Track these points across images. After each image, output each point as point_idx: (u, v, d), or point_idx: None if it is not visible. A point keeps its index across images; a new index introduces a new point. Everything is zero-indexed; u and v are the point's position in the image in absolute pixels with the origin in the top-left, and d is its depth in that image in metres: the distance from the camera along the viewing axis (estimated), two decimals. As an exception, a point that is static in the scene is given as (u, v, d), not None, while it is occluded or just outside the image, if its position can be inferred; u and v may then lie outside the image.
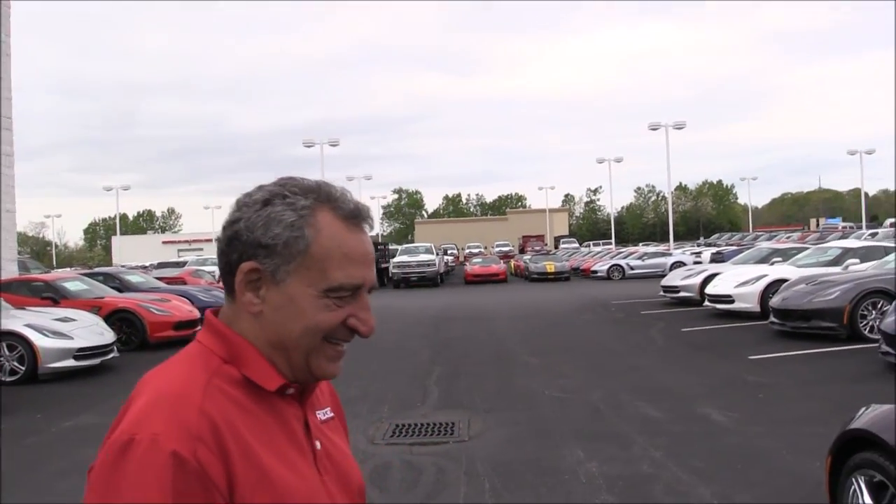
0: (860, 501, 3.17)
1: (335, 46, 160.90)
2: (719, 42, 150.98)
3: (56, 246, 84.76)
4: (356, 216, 1.07)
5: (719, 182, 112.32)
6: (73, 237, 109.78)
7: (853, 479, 3.22)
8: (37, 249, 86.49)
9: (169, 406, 0.96)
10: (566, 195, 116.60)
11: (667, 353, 10.46)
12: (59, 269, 35.08)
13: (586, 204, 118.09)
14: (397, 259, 30.60)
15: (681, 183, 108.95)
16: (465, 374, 9.37)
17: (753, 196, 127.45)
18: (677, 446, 5.72)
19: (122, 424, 0.96)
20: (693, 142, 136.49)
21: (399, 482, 5.17)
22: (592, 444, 5.85)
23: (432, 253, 31.18)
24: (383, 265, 31.99)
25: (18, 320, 9.88)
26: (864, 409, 3.41)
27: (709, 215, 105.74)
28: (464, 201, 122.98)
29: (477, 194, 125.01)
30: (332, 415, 1.22)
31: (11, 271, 16.89)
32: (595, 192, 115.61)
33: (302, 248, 1.02)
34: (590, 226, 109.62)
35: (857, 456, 3.23)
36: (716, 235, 62.94)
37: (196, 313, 13.46)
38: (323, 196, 1.05)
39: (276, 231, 1.01)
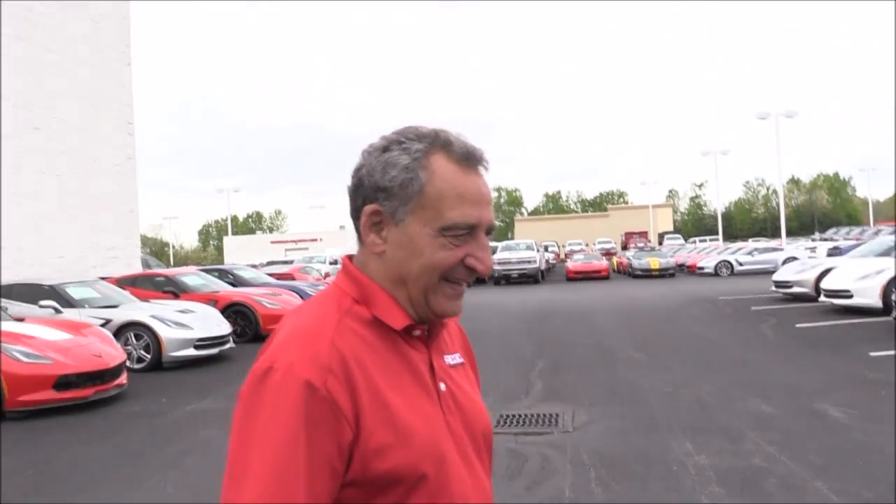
0: None
1: (431, 47, 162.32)
2: (831, 22, 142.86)
3: (172, 247, 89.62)
4: (468, 158, 1.12)
5: (835, 174, 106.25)
6: (189, 238, 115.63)
7: None
8: (155, 250, 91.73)
9: (304, 339, 1.05)
10: (670, 190, 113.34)
11: (779, 349, 10.05)
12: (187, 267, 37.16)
13: (691, 199, 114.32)
14: (498, 256, 30.57)
15: (793, 176, 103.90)
16: (568, 367, 9.33)
17: (873, 188, 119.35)
18: (792, 441, 5.52)
19: (264, 354, 1.07)
20: (805, 132, 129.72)
21: (505, 469, 5.23)
22: (701, 438, 5.72)
23: (533, 249, 31.02)
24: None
25: (144, 311, 10.56)
26: None
27: (824, 209, 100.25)
28: (563, 198, 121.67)
29: (577, 191, 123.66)
30: (461, 360, 1.25)
31: (136, 267, 18.07)
32: (700, 186, 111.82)
33: (416, 188, 1.08)
34: (695, 222, 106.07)
35: None
36: (832, 230, 59.56)
37: (304, 307, 13.98)
38: (437, 141, 1.11)
39: (392, 174, 1.09)
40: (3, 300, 10.12)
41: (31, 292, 10.69)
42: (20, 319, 8.74)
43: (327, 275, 26.80)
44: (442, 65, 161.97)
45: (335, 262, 32.68)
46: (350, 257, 1.20)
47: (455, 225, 1.08)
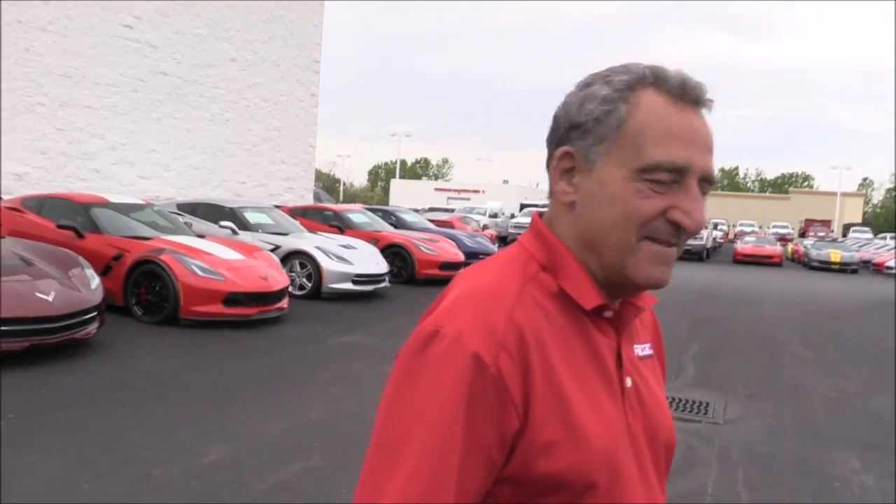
0: None
1: (607, 5, 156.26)
2: None
3: (343, 184, 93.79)
4: (685, 92, 0.90)
5: None
6: (359, 177, 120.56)
7: None
8: (327, 185, 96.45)
9: (479, 305, 0.88)
10: (864, 179, 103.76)
11: (977, 371, 8.92)
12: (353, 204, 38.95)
13: (888, 191, 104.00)
14: (662, 228, 29.46)
15: None
16: (726, 355, 8.79)
17: None
18: (983, 478, 4.86)
19: (431, 315, 0.91)
20: None
21: (644, 451, 5.00)
22: (871, 455, 5.18)
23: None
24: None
25: (310, 242, 11.07)
26: None
27: None
28: (741, 176, 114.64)
29: (756, 169, 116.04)
30: (651, 352, 1.07)
31: (308, 199, 19.01)
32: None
33: (614, 123, 0.90)
34: (889, 215, 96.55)
35: None
36: None
37: (461, 256, 14.14)
38: (648, 75, 0.91)
39: (588, 107, 0.91)
40: (188, 217, 10.96)
41: (213, 212, 11.50)
42: (201, 236, 9.42)
43: (485, 227, 27.01)
44: (617, 19, 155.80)
45: (494, 216, 32.80)
46: (541, 214, 1.01)
47: (657, 165, 0.88)
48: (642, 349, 1.04)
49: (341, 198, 77.06)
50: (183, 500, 3.70)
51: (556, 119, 0.96)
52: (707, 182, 0.92)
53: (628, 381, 0.96)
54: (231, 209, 11.63)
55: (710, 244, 30.81)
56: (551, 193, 0.97)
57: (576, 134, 0.92)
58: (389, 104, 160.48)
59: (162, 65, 15.03)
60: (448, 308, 0.90)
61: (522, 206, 35.26)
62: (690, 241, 27.79)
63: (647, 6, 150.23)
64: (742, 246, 30.58)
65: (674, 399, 6.47)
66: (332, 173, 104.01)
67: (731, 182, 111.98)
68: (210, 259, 8.30)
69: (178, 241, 8.63)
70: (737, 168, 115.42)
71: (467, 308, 0.89)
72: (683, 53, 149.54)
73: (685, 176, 0.89)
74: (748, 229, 48.73)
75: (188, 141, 15.78)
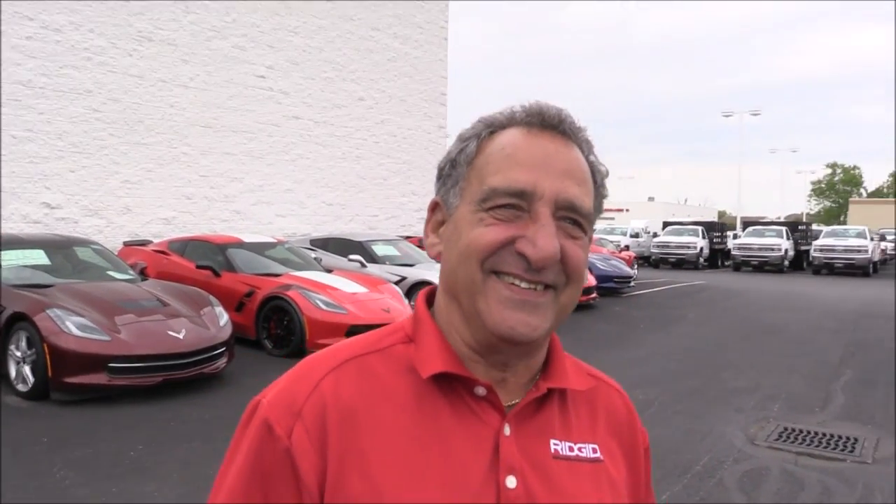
0: None
1: (757, 6, 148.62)
2: None
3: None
4: (542, 120, 0.81)
5: None
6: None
7: None
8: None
9: (295, 374, 0.83)
10: None
11: None
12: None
13: None
14: (820, 241, 27.35)
15: None
16: (884, 383, 7.95)
17: None
18: None
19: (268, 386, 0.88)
20: None
21: (773, 493, 4.58)
22: None
23: (865, 237, 27.17)
24: (803, 247, 29.00)
25: (436, 272, 11.15)
26: None
27: None
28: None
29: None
30: (595, 456, 0.86)
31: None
32: None
33: (464, 160, 0.83)
34: None
35: None
36: None
37: (592, 280, 13.78)
38: (518, 111, 0.82)
39: (448, 151, 0.86)
40: (319, 251, 11.42)
41: (343, 246, 11.94)
42: (329, 271, 9.77)
43: (626, 247, 26.01)
44: (767, 21, 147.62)
45: (636, 235, 31.71)
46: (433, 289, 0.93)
47: (493, 190, 0.78)
48: (573, 448, 0.84)
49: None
50: None
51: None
52: (570, 210, 0.79)
53: (509, 482, 0.78)
54: (360, 242, 12.01)
55: (877, 257, 28.27)
56: (425, 248, 0.90)
57: (439, 183, 0.87)
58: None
59: (294, 109, 15.91)
60: (279, 377, 0.85)
61: (665, 224, 33.84)
62: (854, 256, 25.98)
63: (798, 5, 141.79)
64: (916, 258, 27.83)
65: (816, 434, 5.91)
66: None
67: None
68: (334, 294, 8.57)
69: (306, 276, 8.99)
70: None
71: (286, 378, 0.84)
72: (842, 50, 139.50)
73: (532, 203, 0.78)
74: (925, 239, 44.29)
75: (321, 179, 16.55)
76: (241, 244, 9.77)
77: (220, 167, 14.50)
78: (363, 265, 11.09)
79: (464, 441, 0.79)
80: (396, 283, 10.48)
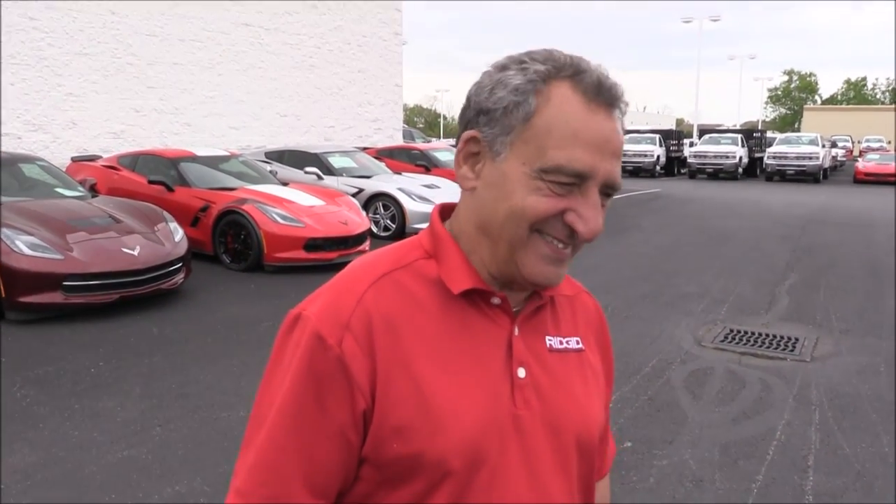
0: None
1: None
2: None
3: (444, 118, 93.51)
4: (600, 92, 0.87)
5: None
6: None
7: None
8: (429, 120, 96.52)
9: (335, 289, 0.92)
10: None
11: None
12: (441, 140, 38.67)
13: None
14: (774, 149, 27.77)
15: None
16: (826, 286, 8.29)
17: None
18: None
19: (304, 299, 0.95)
20: None
21: (716, 392, 4.83)
22: (971, 395, 4.79)
23: (817, 144, 27.64)
24: (757, 154, 29.42)
25: (393, 184, 11.15)
26: None
27: None
28: (869, 87, 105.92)
29: (887, 78, 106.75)
30: (580, 346, 1.02)
31: (397, 139, 19.09)
32: None
33: (522, 116, 0.87)
34: None
35: None
36: None
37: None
38: (566, 67, 0.88)
39: (499, 94, 0.88)
40: (275, 164, 11.25)
41: (299, 159, 11.75)
42: (285, 184, 9.66)
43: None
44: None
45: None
46: (444, 206, 1.02)
47: (558, 168, 0.85)
48: (562, 342, 1.00)
49: (442, 133, 77.06)
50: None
51: (467, 99, 0.93)
52: (610, 188, 0.89)
53: (520, 372, 0.93)
54: (316, 154, 11.84)
55: (827, 164, 28.88)
56: (456, 176, 0.95)
57: (483, 119, 0.90)
58: (487, 33, 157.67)
59: (243, 16, 15.27)
60: (316, 292, 0.94)
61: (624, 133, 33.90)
62: (805, 163, 26.49)
63: None
64: (863, 164, 28.48)
65: (760, 335, 6.19)
66: (433, 108, 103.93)
67: (858, 94, 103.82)
68: (291, 207, 8.51)
69: (262, 190, 8.89)
70: (864, 79, 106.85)
71: (327, 292, 0.92)
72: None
73: (586, 181, 0.87)
74: (875, 146, 45.30)
75: (274, 89, 16.08)
76: (194, 158, 9.55)
77: (168, 78, 13.96)
78: (320, 177, 10.98)
79: (483, 341, 0.93)
80: (353, 195, 10.44)
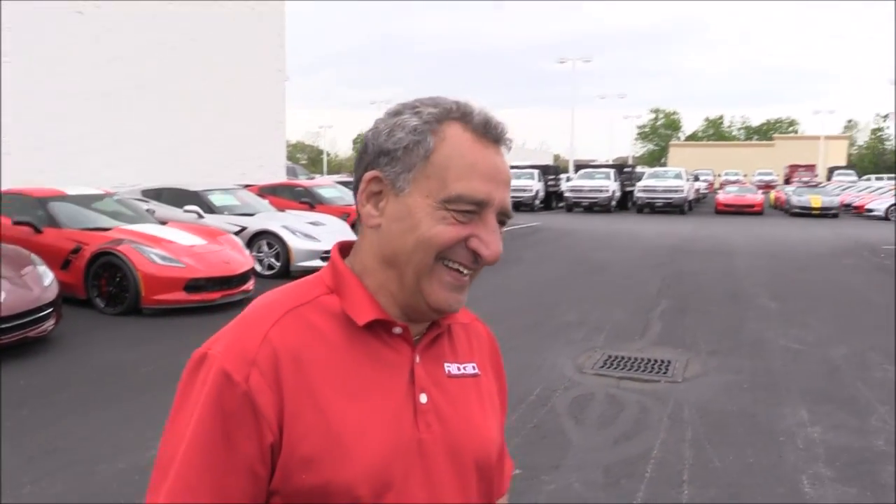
0: None
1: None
2: None
3: (328, 154, 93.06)
4: (487, 130, 0.97)
5: None
6: (343, 147, 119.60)
7: None
8: (312, 157, 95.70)
9: (240, 327, 0.95)
10: (848, 121, 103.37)
11: (941, 312, 9.00)
12: (326, 176, 38.44)
13: (872, 132, 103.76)
14: (643, 182, 29.41)
15: None
16: (694, 310, 8.85)
17: None
18: (927, 424, 4.93)
19: (209, 339, 0.98)
20: None
21: (597, 416, 5.05)
22: (821, 407, 5.24)
23: (682, 178, 29.50)
24: (628, 188, 31.03)
25: (277, 221, 11.01)
26: None
27: None
28: (726, 124, 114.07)
29: (742, 117, 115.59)
30: (476, 372, 1.09)
31: (281, 176, 18.86)
32: (885, 118, 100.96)
33: (423, 153, 0.95)
34: (874, 157, 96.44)
35: None
36: None
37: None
38: (455, 110, 0.97)
39: (399, 136, 0.96)
40: (152, 203, 10.87)
41: (178, 197, 11.41)
42: (164, 223, 9.35)
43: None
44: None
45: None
46: (343, 244, 1.07)
47: (460, 197, 0.93)
48: (459, 368, 1.06)
49: (325, 169, 76.55)
50: (126, 495, 3.71)
51: (365, 143, 1.00)
52: (504, 215, 0.98)
53: (422, 398, 0.98)
54: (196, 192, 11.54)
55: (692, 196, 30.82)
56: (358, 216, 1.01)
57: (384, 160, 0.97)
58: (368, 70, 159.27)
59: (117, 49, 14.74)
60: (220, 332, 0.97)
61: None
62: (672, 195, 28.16)
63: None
64: (723, 196, 30.64)
65: (637, 359, 6.52)
66: (315, 145, 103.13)
67: (717, 131, 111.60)
68: (170, 247, 8.25)
69: (138, 229, 8.57)
70: (721, 117, 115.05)
71: (231, 331, 0.95)
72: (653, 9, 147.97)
73: (485, 209, 0.95)
74: (733, 178, 48.76)
75: (152, 126, 15.55)
76: (63, 197, 9.09)
77: (35, 111, 13.25)
78: (200, 216, 10.69)
79: (387, 370, 0.98)
80: (236, 233, 10.23)
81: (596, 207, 28.88)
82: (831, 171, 58.29)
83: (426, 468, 0.96)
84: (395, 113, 0.98)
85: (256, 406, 0.89)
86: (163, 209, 10.75)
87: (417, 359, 1.00)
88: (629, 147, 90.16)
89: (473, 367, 1.08)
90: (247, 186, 13.97)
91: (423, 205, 0.94)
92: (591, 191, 28.96)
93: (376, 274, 0.99)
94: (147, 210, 10.01)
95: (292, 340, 0.93)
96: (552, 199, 31.29)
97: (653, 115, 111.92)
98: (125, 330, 7.33)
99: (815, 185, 36.79)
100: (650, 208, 28.62)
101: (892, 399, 5.43)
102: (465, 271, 0.96)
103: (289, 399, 0.90)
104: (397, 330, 0.98)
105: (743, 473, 4.12)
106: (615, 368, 6.25)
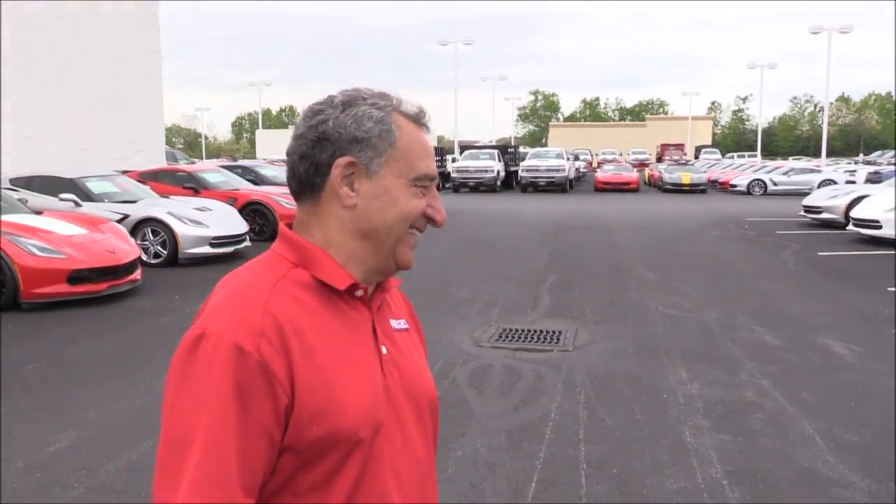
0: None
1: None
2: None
3: (206, 138, 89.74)
4: (419, 118, 1.16)
5: (888, 94, 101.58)
6: (222, 130, 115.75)
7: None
8: (189, 140, 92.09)
9: (236, 305, 1.03)
10: (712, 103, 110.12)
11: (796, 278, 9.88)
12: (206, 161, 37.20)
13: (734, 113, 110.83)
14: (527, 163, 30.19)
15: (843, 94, 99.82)
16: (579, 283, 9.29)
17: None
18: (788, 376, 5.47)
19: (196, 321, 1.05)
20: (861, 48, 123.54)
21: (497, 385, 5.28)
22: (698, 366, 5.70)
23: (563, 158, 30.49)
24: (512, 168, 31.76)
25: (162, 208, 10.65)
26: None
27: (872, 131, 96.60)
28: (602, 106, 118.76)
29: (616, 98, 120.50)
30: (407, 326, 1.25)
31: (160, 161, 18.13)
32: (745, 100, 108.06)
33: (392, 140, 1.10)
34: (736, 136, 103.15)
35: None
36: (877, 153, 57.38)
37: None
38: (396, 102, 1.14)
39: (368, 126, 1.10)
40: (23, 192, 10.25)
41: (51, 185, 10.80)
42: (39, 212, 8.86)
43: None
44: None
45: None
46: (289, 224, 1.18)
47: (424, 175, 1.13)
48: (398, 323, 1.23)
49: (204, 153, 73.82)
50: (28, 493, 3.60)
51: (323, 132, 1.10)
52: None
53: (384, 349, 1.14)
54: (71, 180, 10.97)
55: (572, 175, 31.93)
56: (322, 201, 1.12)
57: (356, 147, 1.10)
58: (245, 51, 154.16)
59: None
60: (210, 312, 1.05)
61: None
62: (554, 175, 29.09)
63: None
64: (601, 175, 31.93)
65: (529, 331, 6.81)
66: (192, 128, 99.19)
67: (593, 112, 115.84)
68: (49, 237, 7.85)
69: (12, 220, 8.08)
70: (597, 99, 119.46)
71: (227, 309, 1.04)
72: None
73: (433, 182, 1.16)
74: (609, 157, 50.86)
75: (18, 110, 14.56)
76: (-77, 188, 8.45)
77: None
78: (77, 204, 10.17)
79: (356, 328, 1.12)
80: (119, 221, 9.83)
81: (482, 188, 29.43)
82: (698, 149, 61.87)
83: (395, 409, 1.11)
84: (348, 104, 1.11)
85: (271, 372, 0.99)
86: (36, 198, 10.15)
87: (375, 317, 1.15)
88: (511, 128, 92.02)
89: (405, 323, 1.25)
90: (125, 172, 13.38)
91: (397, 184, 1.11)
92: (476, 171, 29.46)
93: (345, 246, 1.12)
94: (19, 199, 9.44)
95: (287, 309, 1.04)
96: (440, 181, 31.55)
97: (532, 97, 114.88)
98: (5, 327, 6.93)
99: (685, 163, 38.97)
100: (534, 187, 29.45)
101: (758, 356, 5.98)
102: (418, 234, 1.15)
103: (295, 362, 1.01)
104: (359, 293, 1.12)
105: (632, 429, 4.46)
106: (510, 340, 6.52)
